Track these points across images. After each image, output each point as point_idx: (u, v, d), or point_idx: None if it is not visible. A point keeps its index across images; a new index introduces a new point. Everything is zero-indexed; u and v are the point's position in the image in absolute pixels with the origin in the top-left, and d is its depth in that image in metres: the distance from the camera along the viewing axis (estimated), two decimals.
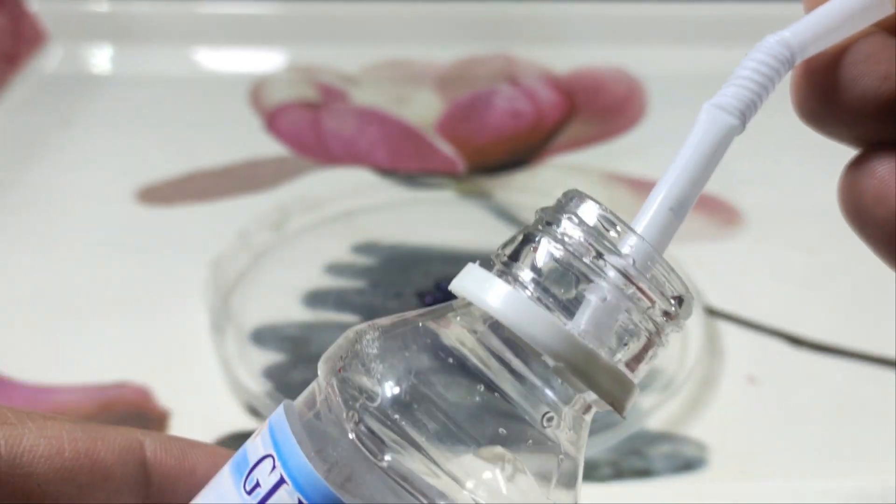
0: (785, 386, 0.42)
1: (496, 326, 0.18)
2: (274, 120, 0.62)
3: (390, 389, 0.17)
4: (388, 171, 0.56)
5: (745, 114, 0.18)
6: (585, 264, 0.17)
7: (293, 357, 0.43)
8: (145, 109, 0.64)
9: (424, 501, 0.17)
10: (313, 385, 0.19)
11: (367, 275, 0.48)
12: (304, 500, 0.17)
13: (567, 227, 0.18)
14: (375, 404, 0.17)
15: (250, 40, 0.69)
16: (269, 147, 0.59)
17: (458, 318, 0.18)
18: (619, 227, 0.18)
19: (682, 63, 0.64)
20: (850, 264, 0.47)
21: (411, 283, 0.47)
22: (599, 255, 0.17)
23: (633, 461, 0.38)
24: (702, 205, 0.54)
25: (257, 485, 0.18)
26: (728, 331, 0.45)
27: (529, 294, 0.18)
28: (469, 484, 0.17)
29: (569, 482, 0.18)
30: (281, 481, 0.17)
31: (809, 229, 0.50)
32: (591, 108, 0.63)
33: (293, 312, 0.46)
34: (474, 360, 0.18)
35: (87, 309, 0.46)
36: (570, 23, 0.69)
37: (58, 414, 0.21)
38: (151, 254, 0.50)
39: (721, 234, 0.52)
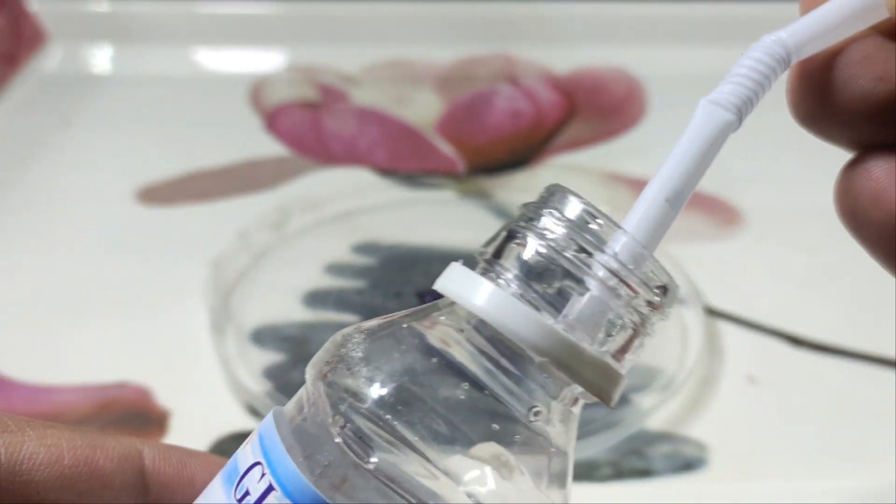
0: (785, 386, 0.42)
1: (481, 324, 0.18)
2: (274, 120, 0.62)
3: (378, 391, 0.17)
4: (388, 171, 0.56)
5: (742, 110, 0.18)
6: (568, 259, 0.17)
7: (293, 357, 0.43)
8: (145, 109, 0.63)
9: (414, 502, 0.17)
10: (302, 390, 0.19)
11: (367, 275, 0.48)
12: None
13: (549, 222, 0.18)
14: (365, 406, 0.17)
15: (250, 40, 0.68)
16: (269, 147, 0.59)
17: (444, 318, 0.18)
18: (600, 221, 0.18)
19: (681, 63, 0.64)
20: (850, 264, 0.47)
21: (411, 283, 0.47)
22: (582, 250, 0.17)
23: (633, 461, 0.38)
24: (701, 205, 0.55)
25: (247, 493, 0.18)
26: (728, 331, 0.45)
27: (513, 291, 0.18)
28: (464, 481, 0.17)
29: (560, 475, 0.18)
30: (270, 488, 0.17)
31: (809, 229, 0.50)
32: (591, 108, 0.63)
33: (293, 312, 0.46)
34: (460, 359, 0.18)
35: (87, 309, 0.46)
36: (570, 23, 0.69)
37: (57, 422, 0.21)
38: (151, 254, 0.50)
39: (721, 233, 0.52)
